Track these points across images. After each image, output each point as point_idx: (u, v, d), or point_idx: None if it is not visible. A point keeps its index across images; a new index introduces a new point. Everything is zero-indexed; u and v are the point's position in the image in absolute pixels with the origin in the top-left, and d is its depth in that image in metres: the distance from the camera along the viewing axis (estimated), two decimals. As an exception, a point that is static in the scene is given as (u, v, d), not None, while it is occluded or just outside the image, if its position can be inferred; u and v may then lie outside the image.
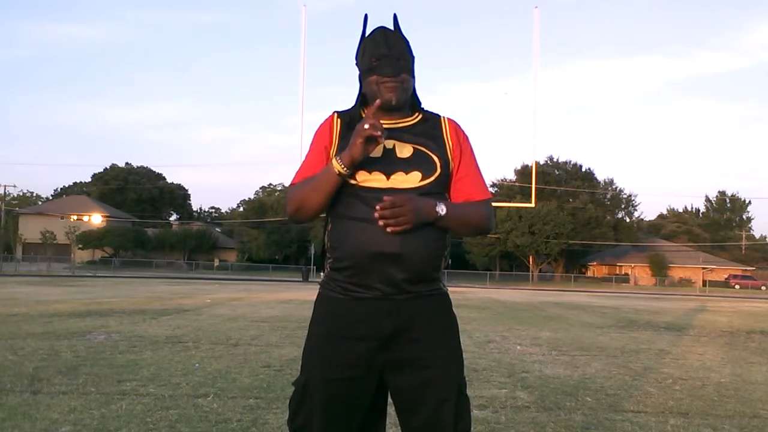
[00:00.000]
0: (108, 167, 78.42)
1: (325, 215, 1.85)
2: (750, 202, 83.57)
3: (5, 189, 51.01)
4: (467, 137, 1.90)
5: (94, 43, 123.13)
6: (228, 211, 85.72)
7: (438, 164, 1.80)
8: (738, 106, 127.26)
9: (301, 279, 40.80)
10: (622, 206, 63.88)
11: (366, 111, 1.87)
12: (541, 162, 58.12)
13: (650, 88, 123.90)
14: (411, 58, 1.84)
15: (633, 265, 59.49)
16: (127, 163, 79.98)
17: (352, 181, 1.74)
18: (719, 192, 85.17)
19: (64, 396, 4.17)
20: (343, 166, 1.70)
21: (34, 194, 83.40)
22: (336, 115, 1.89)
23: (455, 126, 1.89)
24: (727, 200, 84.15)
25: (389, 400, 1.87)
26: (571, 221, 52.97)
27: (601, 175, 63.22)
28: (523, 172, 53.22)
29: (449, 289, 1.89)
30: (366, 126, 1.66)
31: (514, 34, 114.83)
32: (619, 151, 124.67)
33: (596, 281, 56.80)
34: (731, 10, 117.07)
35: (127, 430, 3.44)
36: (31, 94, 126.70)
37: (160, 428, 3.48)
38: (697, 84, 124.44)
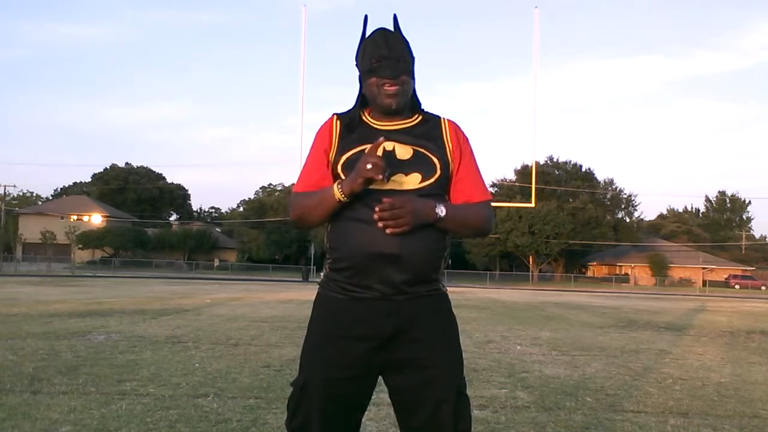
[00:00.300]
0: (108, 167, 78.47)
1: None
2: (750, 202, 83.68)
3: (5, 189, 51.07)
4: (467, 138, 1.90)
5: (94, 43, 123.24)
6: (228, 211, 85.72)
7: (438, 166, 1.80)
8: (738, 106, 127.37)
9: (301, 279, 40.76)
10: (622, 206, 63.88)
11: (366, 113, 1.87)
12: (541, 162, 58.17)
13: (650, 88, 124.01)
14: (411, 60, 1.84)
15: (633, 265, 59.50)
16: (127, 163, 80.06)
17: None
18: (719, 192, 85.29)
19: (64, 396, 4.17)
20: (343, 194, 1.71)
21: (34, 194, 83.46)
22: (335, 117, 1.89)
23: (455, 127, 1.89)
24: (727, 200, 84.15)
25: (388, 400, 1.87)
26: (571, 221, 52.97)
27: (601, 175, 63.31)
28: (523, 172, 53.22)
29: (449, 289, 1.89)
30: (368, 166, 1.66)
31: (514, 34, 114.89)
32: (619, 151, 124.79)
33: (596, 281, 56.80)
34: (731, 10, 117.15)
35: (127, 430, 3.44)
36: (31, 94, 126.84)
37: (160, 428, 3.49)
38: (697, 84, 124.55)
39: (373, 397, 1.89)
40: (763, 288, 53.81)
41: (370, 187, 1.73)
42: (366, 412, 1.93)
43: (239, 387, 4.65)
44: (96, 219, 59.45)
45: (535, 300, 22.02)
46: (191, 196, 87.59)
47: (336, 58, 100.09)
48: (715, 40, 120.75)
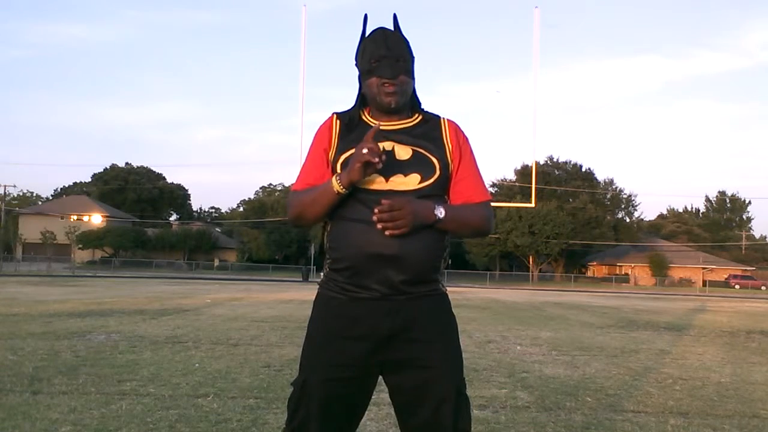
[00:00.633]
0: (108, 167, 78.50)
1: None
2: (750, 202, 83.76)
3: (5, 189, 51.11)
4: (467, 139, 1.90)
5: (94, 43, 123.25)
6: (228, 211, 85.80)
7: (437, 166, 1.80)
8: (738, 106, 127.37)
9: (301, 279, 40.79)
10: (622, 206, 63.92)
11: (366, 112, 1.88)
12: (541, 162, 58.17)
13: (650, 88, 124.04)
14: (411, 59, 1.84)
15: (633, 265, 59.50)
16: (127, 163, 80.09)
17: None
18: (719, 192, 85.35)
19: (64, 396, 4.17)
20: (341, 186, 1.70)
21: (34, 194, 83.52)
22: (335, 116, 1.88)
23: (455, 127, 1.89)
24: (727, 200, 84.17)
25: (388, 400, 1.87)
26: (571, 221, 52.98)
27: (601, 175, 63.39)
28: (523, 172, 53.21)
29: (449, 289, 1.89)
30: (364, 151, 1.66)
31: (514, 34, 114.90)
32: (619, 151, 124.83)
33: (596, 281, 56.80)
34: (731, 10, 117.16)
35: (127, 430, 3.44)
36: (31, 94, 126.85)
37: (160, 428, 3.49)
38: (697, 84, 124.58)
39: (373, 397, 1.88)
40: (763, 288, 53.81)
41: (369, 187, 1.73)
42: (366, 412, 1.93)
43: (239, 387, 4.65)
44: (96, 219, 59.49)
45: (535, 300, 22.02)
46: (191, 196, 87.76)
47: (336, 58, 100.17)
48: (715, 40, 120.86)
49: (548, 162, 60.51)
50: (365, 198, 1.72)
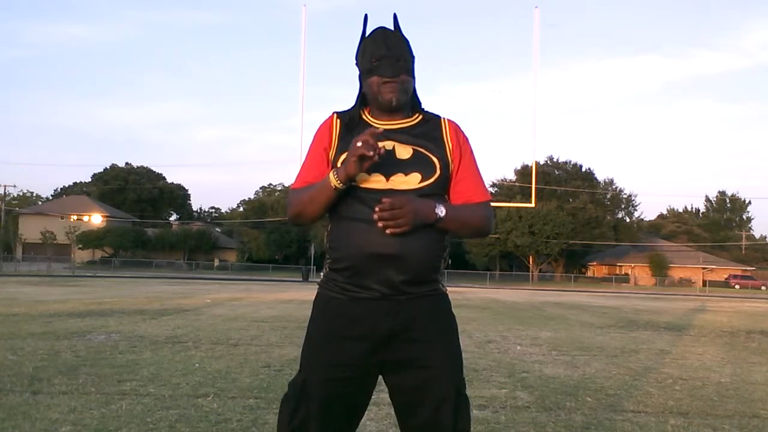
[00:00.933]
0: (108, 167, 78.50)
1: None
2: (750, 202, 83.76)
3: (5, 189, 51.13)
4: (467, 139, 1.90)
5: (94, 43, 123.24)
6: (228, 211, 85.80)
7: (437, 166, 1.80)
8: (738, 106, 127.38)
9: (301, 279, 40.76)
10: (622, 206, 63.92)
11: (366, 112, 1.88)
12: (541, 162, 58.17)
13: (650, 88, 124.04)
14: (411, 59, 1.84)
15: (633, 265, 59.50)
16: (127, 163, 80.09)
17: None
18: (719, 192, 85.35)
19: (64, 396, 4.17)
20: (339, 181, 1.70)
21: (34, 194, 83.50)
22: (335, 115, 1.89)
23: (455, 127, 1.89)
24: (727, 200, 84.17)
25: (388, 400, 1.87)
26: (571, 221, 52.98)
27: (601, 175, 63.38)
28: (523, 172, 53.21)
29: (449, 289, 1.89)
30: (359, 144, 1.66)
31: (514, 34, 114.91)
32: (619, 151, 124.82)
33: (596, 281, 56.80)
34: (731, 10, 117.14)
35: (127, 430, 3.44)
36: (31, 94, 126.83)
37: (160, 428, 3.48)
38: (696, 84, 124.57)
39: (373, 397, 1.88)
40: (763, 288, 53.81)
41: (370, 186, 1.73)
42: (366, 412, 1.93)
43: (239, 387, 4.65)
44: (96, 219, 59.49)
45: (535, 300, 22.02)
46: (191, 196, 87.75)
47: (336, 58, 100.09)
48: (715, 40, 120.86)
49: (548, 162, 60.52)
50: (366, 197, 1.72)
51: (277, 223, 58.55)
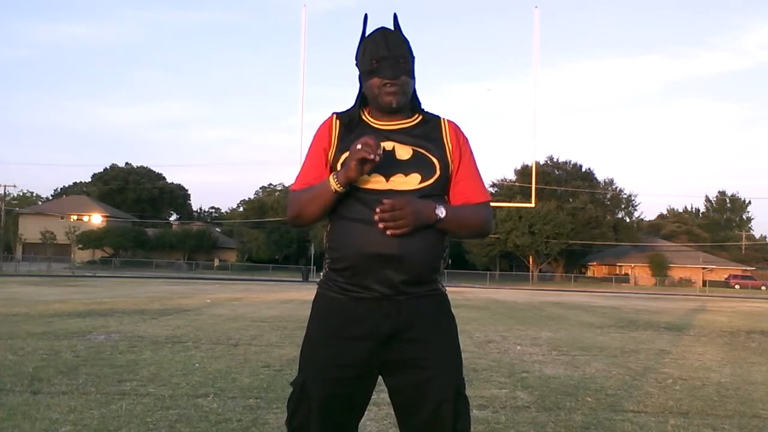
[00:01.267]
0: (108, 167, 78.50)
1: None
2: (750, 202, 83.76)
3: (5, 189, 50.97)
4: (467, 139, 1.90)
5: (94, 43, 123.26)
6: (228, 211, 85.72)
7: (437, 166, 1.80)
8: (738, 106, 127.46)
9: (301, 279, 40.73)
10: (622, 206, 63.95)
11: (366, 112, 1.87)
12: (541, 162, 58.15)
13: (650, 88, 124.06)
14: (411, 60, 1.84)
15: (633, 265, 59.49)
16: (127, 163, 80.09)
17: None
18: (719, 192, 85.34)
19: (64, 396, 4.17)
20: (339, 184, 1.70)
21: (34, 194, 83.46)
22: (335, 116, 1.88)
23: (455, 128, 1.89)
24: (727, 200, 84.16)
25: (388, 400, 1.87)
26: (571, 221, 52.95)
27: (601, 175, 63.39)
28: (523, 172, 53.21)
29: (449, 289, 1.89)
30: (359, 147, 1.65)
31: (514, 34, 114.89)
32: (619, 151, 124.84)
33: (596, 281, 56.79)
34: (731, 10, 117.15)
35: (127, 430, 3.44)
36: (31, 94, 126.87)
37: (160, 428, 3.49)
38: (697, 84, 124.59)
39: (373, 397, 1.88)
40: (763, 288, 53.79)
41: (370, 187, 1.73)
42: (366, 412, 1.93)
43: (239, 387, 4.65)
44: (96, 219, 59.44)
45: (535, 300, 22.01)
46: (191, 196, 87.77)
47: (336, 58, 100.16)
48: (715, 40, 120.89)
49: (548, 162, 60.52)
50: (366, 198, 1.72)
51: (277, 223, 58.54)
